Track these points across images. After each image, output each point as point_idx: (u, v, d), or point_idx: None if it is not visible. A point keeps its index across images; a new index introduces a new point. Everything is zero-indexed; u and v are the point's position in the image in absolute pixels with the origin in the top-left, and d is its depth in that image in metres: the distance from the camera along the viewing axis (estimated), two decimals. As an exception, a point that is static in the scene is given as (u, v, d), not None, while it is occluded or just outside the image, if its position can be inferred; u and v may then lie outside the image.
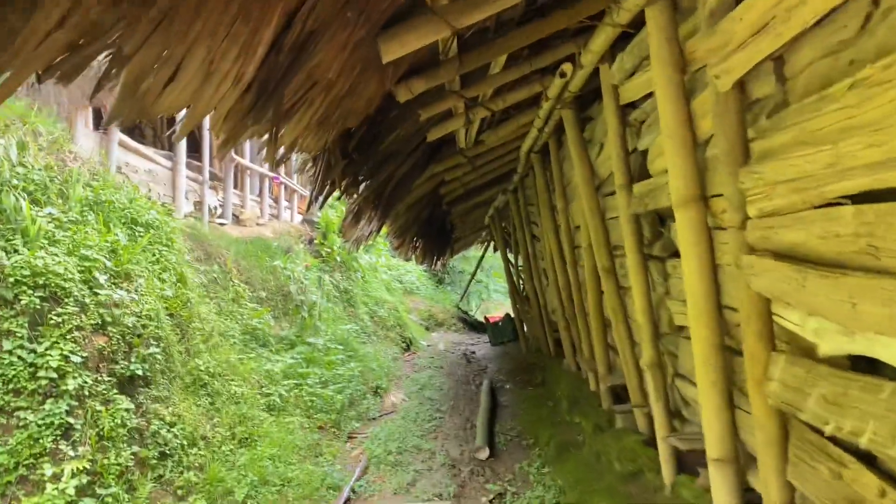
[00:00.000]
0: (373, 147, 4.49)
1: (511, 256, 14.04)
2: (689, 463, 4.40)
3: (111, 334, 4.50)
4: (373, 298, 14.27)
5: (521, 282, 14.86)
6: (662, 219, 4.16)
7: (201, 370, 5.64)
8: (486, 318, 22.02)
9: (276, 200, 14.06)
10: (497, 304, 31.59)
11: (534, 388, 9.57)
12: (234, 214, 11.01)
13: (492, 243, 22.22)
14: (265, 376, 6.70)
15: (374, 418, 7.54)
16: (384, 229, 8.52)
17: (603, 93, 4.38)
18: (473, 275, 25.03)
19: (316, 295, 9.18)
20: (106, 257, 4.85)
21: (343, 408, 7.20)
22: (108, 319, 4.51)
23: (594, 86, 5.34)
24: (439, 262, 15.02)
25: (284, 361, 7.17)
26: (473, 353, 14.87)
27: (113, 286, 4.74)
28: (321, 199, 4.75)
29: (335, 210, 12.42)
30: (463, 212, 12.03)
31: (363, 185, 5.17)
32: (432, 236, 11.96)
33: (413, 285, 22.98)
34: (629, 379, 5.32)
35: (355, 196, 5.26)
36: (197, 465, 4.80)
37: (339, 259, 11.96)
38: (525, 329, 13.51)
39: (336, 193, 4.91)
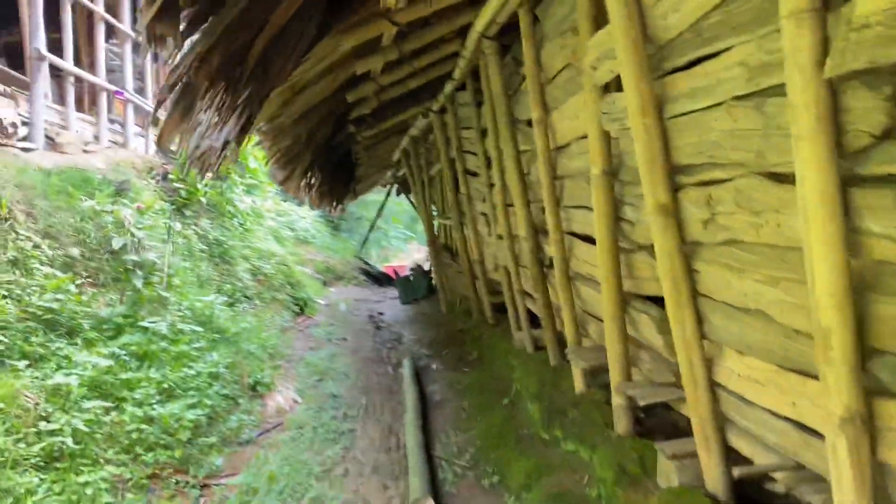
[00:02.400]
0: None
1: (426, 198, 11.48)
2: None
3: None
4: (256, 251, 11.39)
5: (443, 229, 12.39)
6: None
7: None
8: (394, 271, 19.51)
9: (123, 124, 10.72)
10: (397, 251, 29.29)
11: (471, 368, 7.23)
12: (48, 137, 7.78)
13: (394, 187, 19.70)
14: (51, 397, 3.90)
15: (247, 442, 4.90)
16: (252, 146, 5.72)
17: None
18: (375, 221, 22.46)
19: (163, 251, 6.29)
20: None
21: (196, 433, 4.52)
22: None
23: None
24: (339, 207, 12.26)
25: (94, 364, 4.37)
26: (382, 314, 12.40)
27: None
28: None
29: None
30: (372, 140, 9.31)
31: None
32: (332, 171, 9.20)
33: (307, 233, 20.07)
34: (695, 405, 3.01)
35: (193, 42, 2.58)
36: None
37: (205, 201, 8.98)
38: (445, 285, 11.12)
39: None
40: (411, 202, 21.80)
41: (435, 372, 7.27)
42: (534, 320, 6.42)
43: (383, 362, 7.89)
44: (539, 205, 5.50)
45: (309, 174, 7.97)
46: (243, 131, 3.22)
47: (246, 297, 9.91)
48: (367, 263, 21.16)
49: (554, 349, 5.56)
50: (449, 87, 7.04)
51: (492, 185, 6.87)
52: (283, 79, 3.02)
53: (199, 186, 8.74)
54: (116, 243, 5.34)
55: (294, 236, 19.16)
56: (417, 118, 9.05)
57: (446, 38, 5.67)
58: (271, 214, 16.78)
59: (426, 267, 17.61)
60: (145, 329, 5.13)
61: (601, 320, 4.45)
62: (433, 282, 13.36)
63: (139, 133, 11.25)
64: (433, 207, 12.46)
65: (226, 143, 3.25)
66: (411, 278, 13.59)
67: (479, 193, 7.63)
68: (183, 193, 8.62)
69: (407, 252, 29.11)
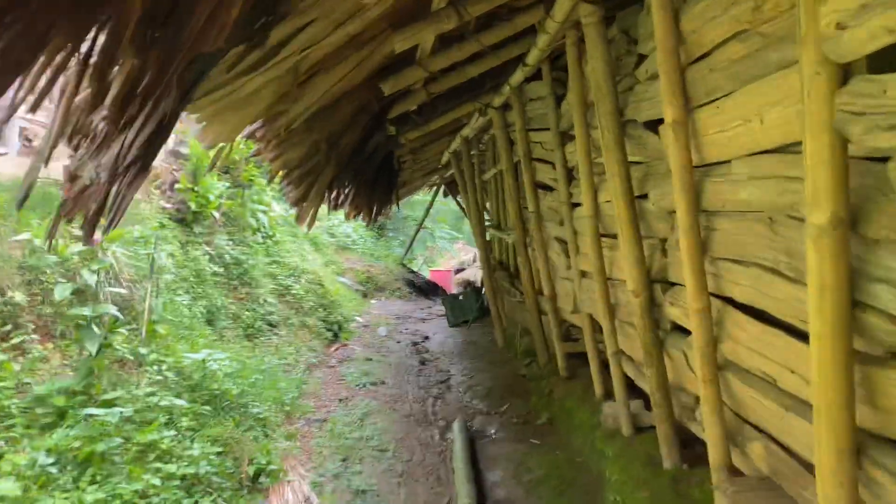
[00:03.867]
0: None
1: (479, 207, 9.84)
2: None
3: None
4: (285, 268, 9.97)
5: (497, 242, 10.74)
6: None
7: None
8: (442, 278, 18.01)
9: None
10: (442, 252, 27.79)
11: (541, 440, 5.60)
12: (27, 139, 6.43)
13: (441, 187, 18.23)
14: None
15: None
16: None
17: None
18: (421, 223, 21.00)
19: (137, 295, 4.82)
20: None
21: None
22: None
23: None
24: (380, 217, 10.75)
25: (-6, 492, 2.91)
26: (427, 338, 10.85)
27: None
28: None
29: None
30: (419, 143, 7.75)
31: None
32: (370, 179, 7.66)
33: (348, 239, 18.72)
34: None
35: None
36: None
37: (218, 215, 7.52)
38: (501, 312, 9.47)
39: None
40: (459, 204, 20.24)
41: (494, 443, 5.66)
42: (631, 386, 4.77)
43: (428, 422, 6.30)
44: (655, 243, 3.84)
45: (337, 188, 6.42)
46: (148, 151, 1.68)
47: (270, 324, 8.49)
48: (411, 271, 19.69)
49: (671, 448, 3.90)
50: (518, 76, 5.41)
51: (575, 206, 5.23)
52: (209, 37, 1.51)
53: (213, 198, 7.30)
54: (59, 292, 3.89)
55: (335, 243, 17.83)
56: (473, 115, 7.44)
57: (521, 4, 4.03)
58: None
59: (478, 283, 16.04)
60: (94, 415, 3.65)
61: (775, 440, 2.78)
62: (485, 303, 11.74)
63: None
64: (486, 217, 10.84)
65: (114, 174, 1.73)
66: (461, 297, 11.99)
67: (553, 213, 5.97)
68: (192, 206, 7.18)
69: (453, 252, 27.59)
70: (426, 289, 17.55)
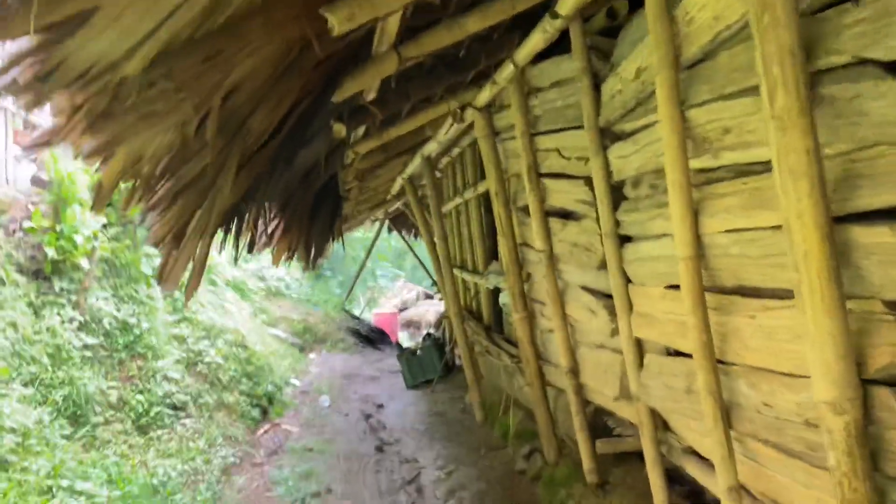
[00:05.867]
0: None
1: (445, 244, 7.87)
2: None
3: None
4: (197, 328, 7.77)
5: (464, 292, 8.74)
6: None
7: None
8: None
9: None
10: (384, 291, 25.80)
11: None
12: None
13: (385, 222, 16.31)
14: None
15: None
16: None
17: None
18: (364, 262, 19.04)
19: None
20: None
21: None
22: None
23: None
24: (320, 258, 8.67)
25: None
26: (381, 406, 8.78)
27: None
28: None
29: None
30: (369, 163, 5.83)
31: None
32: (306, 210, 5.67)
33: (282, 282, 16.46)
34: None
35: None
36: None
37: (88, 264, 5.34)
38: (478, 376, 7.49)
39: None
40: (404, 239, 18.36)
41: None
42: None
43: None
44: (871, 310, 2.00)
45: (254, 218, 4.35)
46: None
47: (174, 407, 6.29)
48: (354, 317, 17.56)
49: None
50: (523, 53, 3.57)
51: (624, 241, 3.38)
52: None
53: (82, 240, 5.14)
54: None
55: (265, 287, 15.54)
56: (441, 126, 5.61)
57: None
58: (233, 263, 13.13)
59: (432, 328, 14.11)
60: None
61: None
62: (449, 359, 9.78)
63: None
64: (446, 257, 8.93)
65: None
66: (419, 352, 9.94)
67: (578, 252, 4.09)
68: (52, 253, 5.01)
69: (394, 291, 25.63)
70: (373, 338, 15.42)
